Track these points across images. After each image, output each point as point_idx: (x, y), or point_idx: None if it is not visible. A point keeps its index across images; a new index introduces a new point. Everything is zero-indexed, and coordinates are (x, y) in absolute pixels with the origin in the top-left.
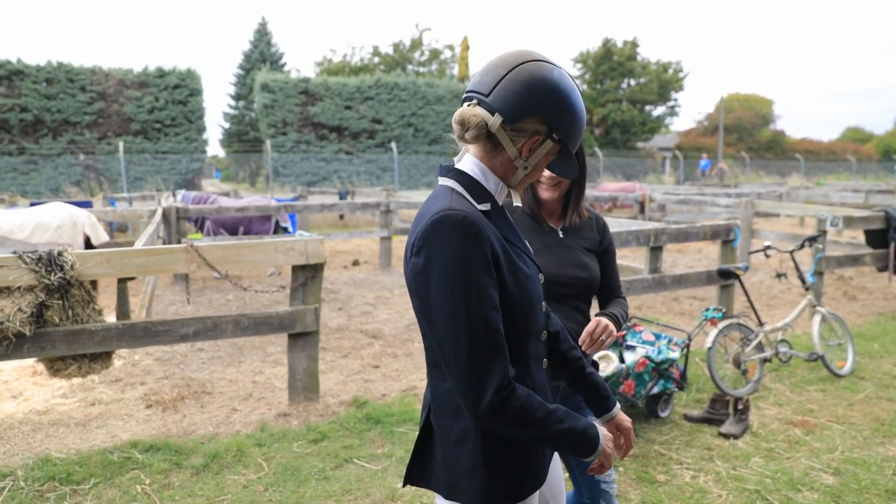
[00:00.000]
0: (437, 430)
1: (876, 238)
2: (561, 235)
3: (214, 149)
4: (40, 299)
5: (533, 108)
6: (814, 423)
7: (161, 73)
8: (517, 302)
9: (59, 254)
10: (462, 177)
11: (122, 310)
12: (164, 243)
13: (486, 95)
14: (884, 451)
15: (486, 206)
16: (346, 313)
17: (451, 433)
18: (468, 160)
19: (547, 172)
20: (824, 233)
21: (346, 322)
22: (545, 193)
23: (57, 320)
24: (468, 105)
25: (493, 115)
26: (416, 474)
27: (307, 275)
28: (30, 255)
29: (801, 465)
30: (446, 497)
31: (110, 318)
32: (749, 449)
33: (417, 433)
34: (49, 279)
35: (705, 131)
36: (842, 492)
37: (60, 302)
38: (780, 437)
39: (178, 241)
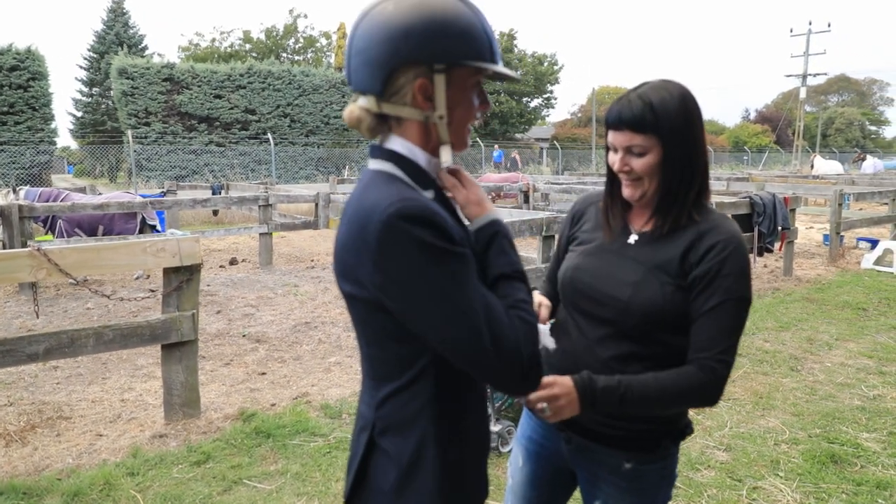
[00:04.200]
0: (385, 453)
1: (742, 222)
2: (631, 242)
3: (65, 140)
4: None
5: (389, 65)
6: None
7: None
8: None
9: None
10: (399, 159)
11: None
12: (4, 247)
13: (350, 83)
14: (765, 423)
15: (430, 194)
16: (225, 317)
17: (402, 454)
18: (394, 138)
19: (618, 164)
20: None
21: (227, 326)
22: (625, 191)
23: None
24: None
25: (365, 97)
26: None
27: (182, 278)
28: None
29: (698, 445)
30: None
31: None
32: None
33: (357, 458)
34: None
35: (579, 122)
36: (735, 466)
37: None
38: None
39: (24, 245)
